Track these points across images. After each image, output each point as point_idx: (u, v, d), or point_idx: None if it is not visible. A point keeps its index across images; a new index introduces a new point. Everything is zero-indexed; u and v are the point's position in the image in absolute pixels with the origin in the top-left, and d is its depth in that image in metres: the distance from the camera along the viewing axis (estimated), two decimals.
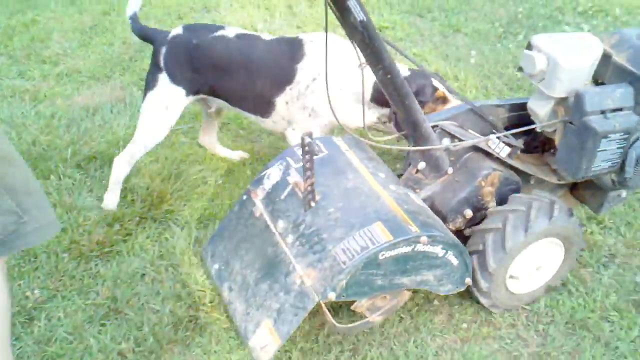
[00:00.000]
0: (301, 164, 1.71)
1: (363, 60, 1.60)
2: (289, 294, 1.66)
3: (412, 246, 1.65)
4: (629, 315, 1.93)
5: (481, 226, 1.85)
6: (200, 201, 2.44)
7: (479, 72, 3.30)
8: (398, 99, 1.70)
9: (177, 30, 2.34)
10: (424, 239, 1.65)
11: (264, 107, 2.34)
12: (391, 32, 3.76)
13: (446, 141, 1.91)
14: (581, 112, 1.78)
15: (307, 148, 1.63)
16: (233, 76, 2.29)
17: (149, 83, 2.33)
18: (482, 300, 1.89)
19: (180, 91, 2.30)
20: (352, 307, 1.76)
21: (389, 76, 1.64)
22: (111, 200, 2.40)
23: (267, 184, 1.90)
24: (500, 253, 1.79)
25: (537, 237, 1.82)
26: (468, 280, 1.82)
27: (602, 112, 1.79)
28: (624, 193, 2.07)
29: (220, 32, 2.32)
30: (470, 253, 1.82)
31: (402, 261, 1.66)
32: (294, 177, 1.84)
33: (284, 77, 2.26)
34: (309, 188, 1.72)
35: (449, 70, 3.29)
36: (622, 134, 1.81)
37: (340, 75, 2.16)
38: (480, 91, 3.13)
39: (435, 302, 1.99)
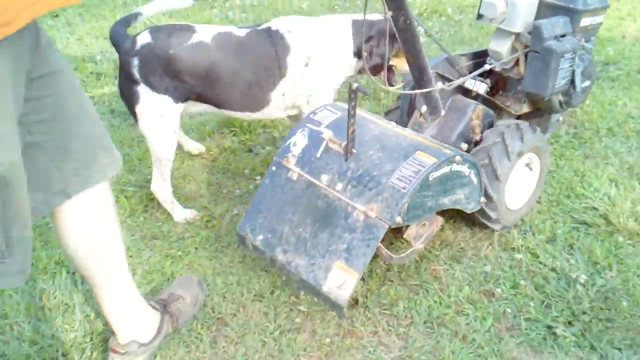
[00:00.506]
0: (326, 123, 1.98)
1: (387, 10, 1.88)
2: (355, 232, 1.79)
3: (450, 166, 1.90)
4: (482, 306, 1.99)
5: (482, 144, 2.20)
6: None
7: None
8: (412, 44, 2.01)
9: (144, 37, 2.22)
10: (458, 158, 1.91)
11: (257, 104, 2.40)
12: None
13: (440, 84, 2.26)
14: (541, 39, 2.20)
15: (353, 95, 1.74)
16: (221, 82, 2.28)
17: (131, 98, 2.25)
18: (492, 217, 2.20)
19: (167, 99, 2.24)
20: (404, 236, 1.99)
21: (408, 22, 1.92)
22: (179, 213, 2.42)
23: (296, 150, 1.99)
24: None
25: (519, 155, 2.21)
26: (482, 199, 2.12)
27: (555, 37, 2.22)
28: (560, 117, 2.56)
29: (195, 38, 2.25)
30: None
31: (444, 181, 1.91)
32: (327, 133, 1.93)
33: (277, 73, 2.33)
34: (352, 135, 1.85)
35: None
36: (571, 53, 2.24)
37: (330, 47, 2.37)
38: None
39: (297, 319, 1.96)
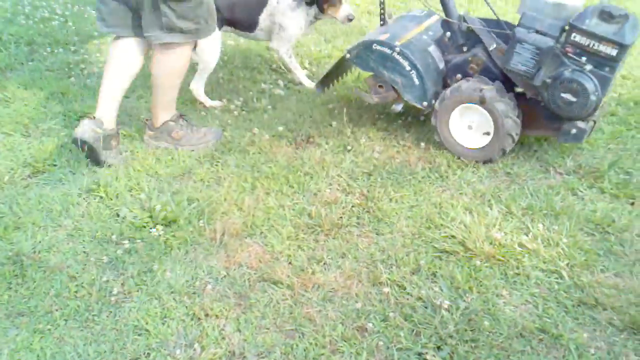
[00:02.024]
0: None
1: None
2: None
3: (390, 51, 3.10)
4: (356, 342, 2.05)
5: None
6: None
7: None
8: None
9: None
10: (397, 49, 3.08)
11: (252, 25, 3.90)
12: None
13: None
14: (518, 25, 2.85)
15: None
16: (235, 11, 3.81)
17: None
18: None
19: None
20: (365, 80, 3.38)
21: None
22: (210, 103, 3.90)
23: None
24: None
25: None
26: (425, 104, 3.15)
27: (532, 30, 2.77)
28: (574, 130, 2.86)
29: None
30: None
31: (384, 57, 3.14)
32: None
33: (262, 2, 3.83)
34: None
35: None
36: (533, 47, 2.77)
37: None
38: (193, 159, 3.19)
39: None
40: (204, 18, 3.01)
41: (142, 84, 4.11)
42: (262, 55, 4.54)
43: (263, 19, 3.84)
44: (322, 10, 3.79)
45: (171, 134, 3.29)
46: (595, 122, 2.87)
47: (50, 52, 4.60)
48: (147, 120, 3.36)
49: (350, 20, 3.79)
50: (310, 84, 4.02)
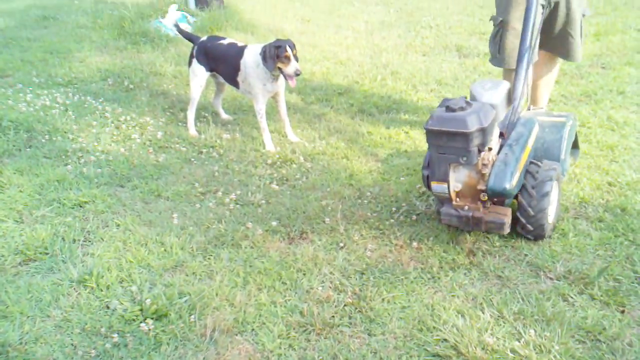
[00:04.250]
0: None
1: None
2: None
3: None
4: None
5: None
6: None
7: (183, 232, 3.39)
8: None
9: (204, 38, 4.91)
10: None
11: (235, 83, 4.73)
12: (92, 205, 3.70)
13: None
14: None
15: None
16: (221, 65, 4.75)
17: (189, 62, 4.91)
18: None
19: (203, 67, 4.81)
20: None
21: None
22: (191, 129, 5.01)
23: None
24: None
25: None
26: None
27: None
28: None
29: (220, 41, 4.78)
30: None
31: None
32: None
33: (237, 67, 4.60)
34: None
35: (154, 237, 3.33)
36: None
37: (253, 60, 4.52)
38: (186, 251, 3.20)
39: None
40: None
41: (138, 174, 4.16)
42: (258, 149, 4.63)
43: (241, 80, 4.64)
44: (274, 67, 4.36)
45: None
46: None
47: (49, 139, 4.68)
48: None
49: (297, 75, 4.34)
50: (271, 148, 4.61)
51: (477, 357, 2.43)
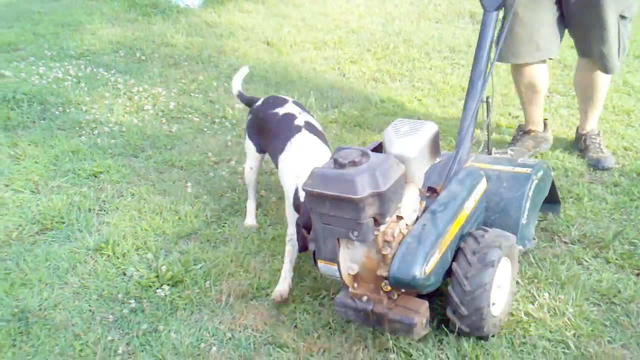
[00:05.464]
0: None
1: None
2: None
3: None
4: None
5: None
6: None
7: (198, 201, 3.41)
8: None
9: (259, 101, 3.27)
10: None
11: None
12: (106, 176, 3.73)
13: None
14: None
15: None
16: (270, 144, 3.05)
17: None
18: None
19: (253, 147, 3.22)
20: None
21: None
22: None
23: None
24: None
25: None
26: None
27: None
28: None
29: (276, 109, 3.10)
30: None
31: None
32: None
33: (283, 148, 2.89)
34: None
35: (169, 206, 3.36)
36: None
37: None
38: (200, 219, 3.22)
39: None
40: None
41: (151, 144, 4.18)
42: None
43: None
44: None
45: None
46: None
47: (62, 111, 4.69)
48: None
49: None
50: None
51: None
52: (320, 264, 2.20)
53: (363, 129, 4.36)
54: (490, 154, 2.98)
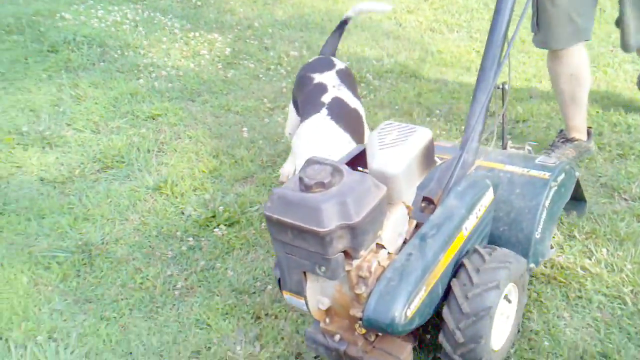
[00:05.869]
0: None
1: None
2: None
3: None
4: None
5: None
6: None
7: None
8: None
9: (311, 59, 3.15)
10: None
11: None
12: (164, 118, 3.79)
13: None
14: None
15: None
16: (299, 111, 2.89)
17: None
18: None
19: (293, 109, 3.06)
20: None
21: None
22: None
23: None
24: None
25: None
26: None
27: None
28: None
29: (315, 72, 2.90)
30: None
31: None
32: None
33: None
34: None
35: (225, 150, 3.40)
36: None
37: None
38: (256, 163, 3.26)
39: None
40: None
41: (208, 89, 4.22)
42: None
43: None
44: None
45: None
46: None
47: (121, 54, 4.75)
48: None
49: None
50: None
51: (545, 274, 2.42)
52: (286, 295, 1.79)
53: (419, 79, 4.30)
54: (505, 148, 2.55)
